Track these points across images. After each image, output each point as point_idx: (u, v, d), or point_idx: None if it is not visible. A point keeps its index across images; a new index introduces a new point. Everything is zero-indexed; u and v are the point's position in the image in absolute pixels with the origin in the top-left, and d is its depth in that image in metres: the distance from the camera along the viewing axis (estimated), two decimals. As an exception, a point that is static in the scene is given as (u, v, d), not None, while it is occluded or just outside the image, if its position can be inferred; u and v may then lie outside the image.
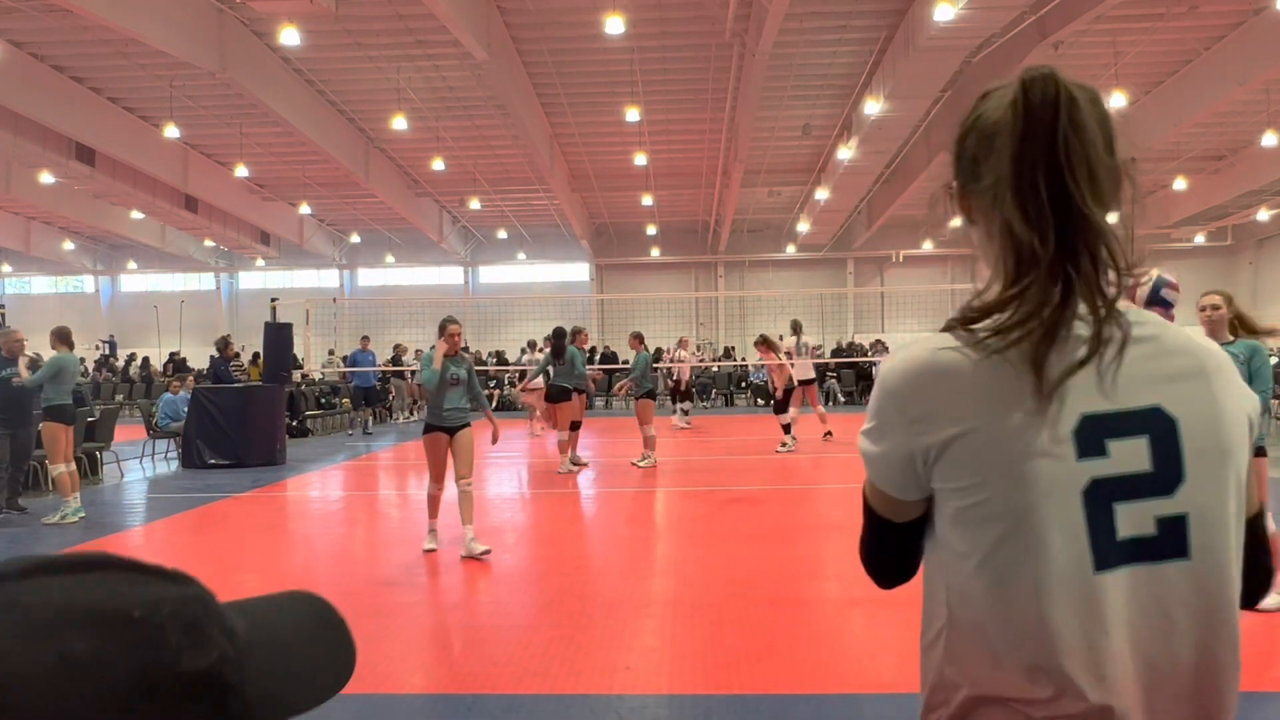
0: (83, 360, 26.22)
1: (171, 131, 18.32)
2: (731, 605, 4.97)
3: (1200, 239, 30.52)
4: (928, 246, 31.77)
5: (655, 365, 12.93)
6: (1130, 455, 0.97)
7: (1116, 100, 16.97)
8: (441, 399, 6.55)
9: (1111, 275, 1.00)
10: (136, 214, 28.12)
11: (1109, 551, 0.96)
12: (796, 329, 13.85)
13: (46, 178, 23.23)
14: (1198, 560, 0.99)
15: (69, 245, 32.21)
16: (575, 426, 11.13)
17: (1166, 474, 0.98)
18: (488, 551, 6.28)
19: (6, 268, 34.70)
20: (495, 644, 4.32)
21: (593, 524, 7.68)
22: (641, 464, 10.98)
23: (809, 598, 5.17)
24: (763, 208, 28.80)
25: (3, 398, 8.27)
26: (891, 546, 1.16)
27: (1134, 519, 0.97)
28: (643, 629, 4.59)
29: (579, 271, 34.37)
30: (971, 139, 1.06)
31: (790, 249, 32.55)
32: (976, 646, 1.02)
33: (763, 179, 24.84)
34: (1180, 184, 24.09)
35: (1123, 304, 1.00)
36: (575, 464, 11.12)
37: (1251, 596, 1.10)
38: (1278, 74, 15.78)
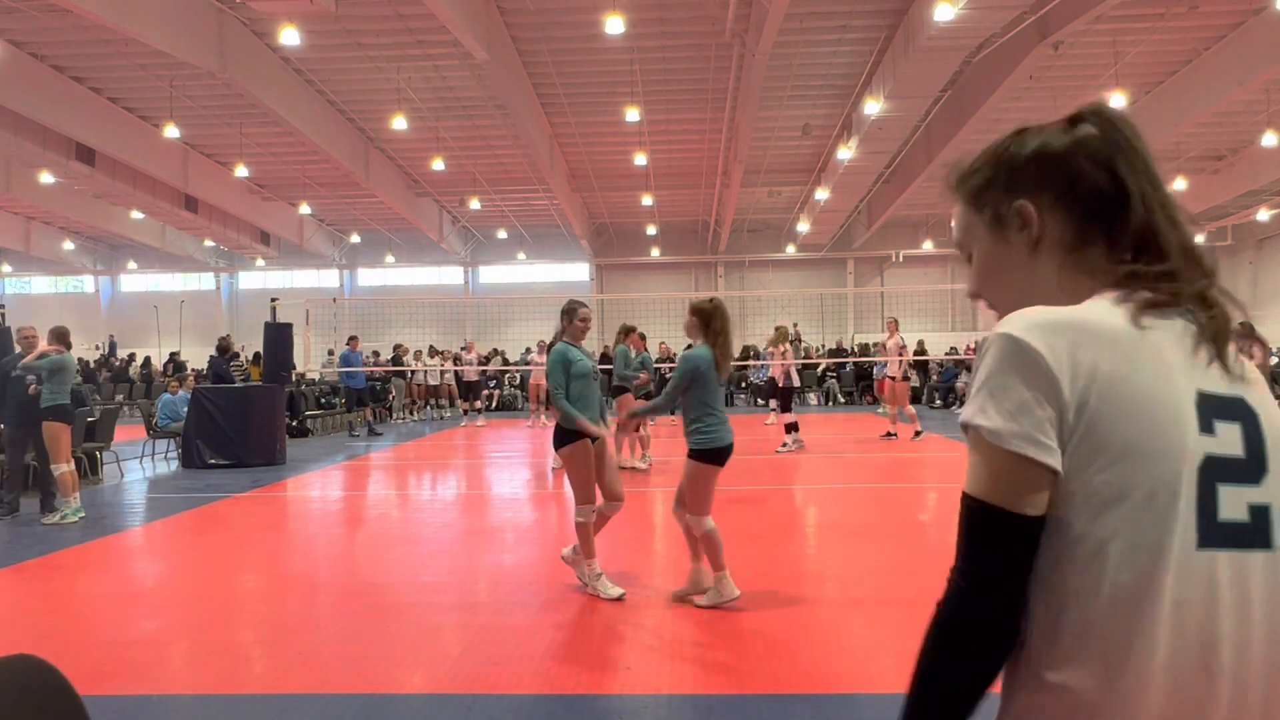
0: (80, 361, 26.24)
1: (171, 131, 18.32)
2: (731, 605, 4.96)
3: (1200, 239, 30.39)
4: (928, 246, 31.77)
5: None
6: (1230, 439, 0.99)
7: (1116, 100, 16.97)
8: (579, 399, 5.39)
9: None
10: (136, 214, 28.12)
11: (1211, 531, 0.97)
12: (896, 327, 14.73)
13: (46, 178, 23.24)
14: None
15: (69, 245, 32.22)
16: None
17: (1255, 462, 1.00)
18: (623, 596, 5.18)
19: (6, 268, 34.71)
20: (495, 644, 4.32)
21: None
22: (641, 463, 11.06)
23: (809, 598, 5.17)
24: (763, 208, 28.80)
25: (23, 398, 8.24)
26: (1016, 565, 0.99)
27: (1232, 503, 0.98)
28: (643, 629, 4.59)
29: (579, 271, 34.38)
30: (1078, 159, 1.12)
31: (790, 249, 32.55)
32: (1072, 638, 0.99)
33: (763, 179, 24.84)
34: (1180, 184, 24.09)
35: None
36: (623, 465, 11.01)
37: None
38: (1278, 74, 15.78)
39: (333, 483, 10.81)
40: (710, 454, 4.94)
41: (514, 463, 12.66)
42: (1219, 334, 1.02)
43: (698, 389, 4.97)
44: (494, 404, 23.92)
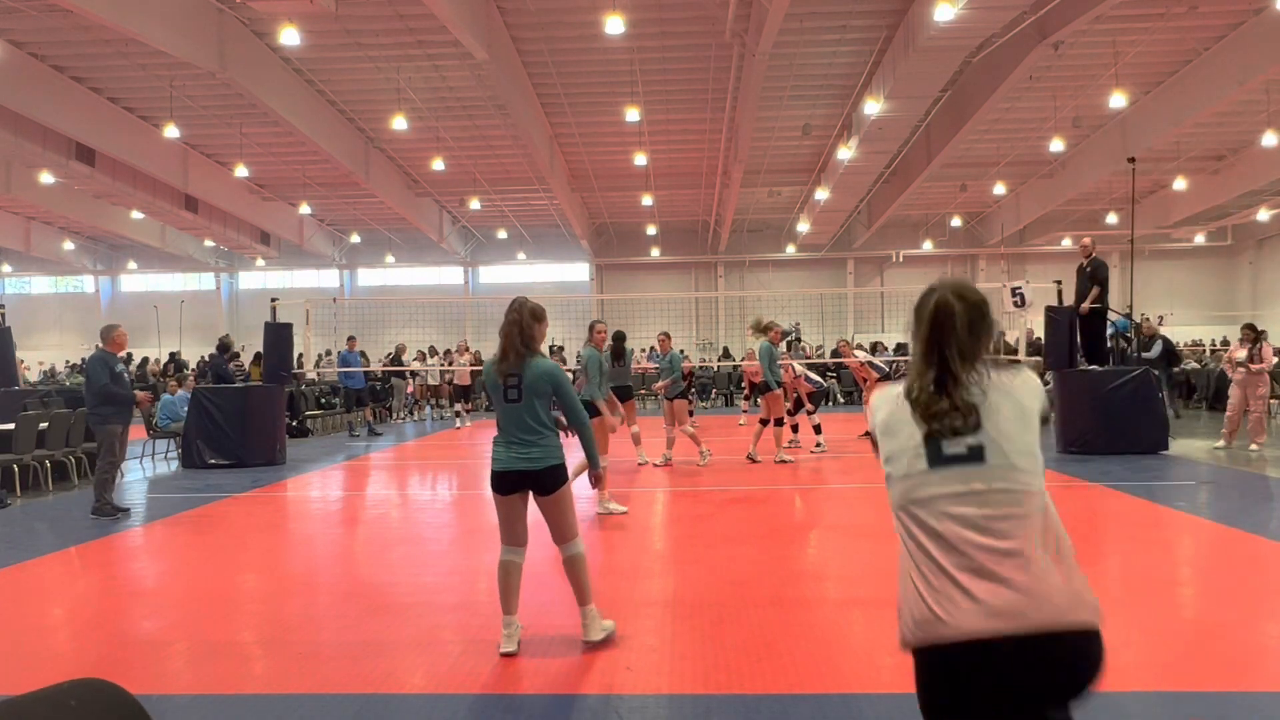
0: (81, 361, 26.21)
1: (171, 131, 18.32)
2: (731, 605, 4.96)
3: (1200, 239, 30.50)
4: (928, 246, 31.77)
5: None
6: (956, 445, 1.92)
7: (1116, 100, 16.98)
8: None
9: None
10: (136, 214, 28.13)
11: (937, 459, 1.90)
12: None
13: (46, 178, 23.24)
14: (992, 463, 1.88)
15: (69, 245, 32.22)
16: (780, 423, 11.16)
17: (976, 454, 1.89)
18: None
19: (6, 268, 34.71)
20: (495, 644, 4.32)
21: (593, 524, 7.67)
22: (703, 462, 10.99)
23: (809, 598, 5.17)
24: (763, 208, 28.80)
25: (114, 394, 8.24)
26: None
27: (953, 446, 1.89)
28: (643, 629, 4.58)
29: (579, 271, 34.38)
30: (918, 315, 2.03)
31: (790, 249, 32.55)
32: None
33: (763, 179, 24.84)
34: (1180, 184, 24.09)
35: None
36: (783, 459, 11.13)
37: None
38: (1278, 74, 15.78)
39: (333, 483, 10.81)
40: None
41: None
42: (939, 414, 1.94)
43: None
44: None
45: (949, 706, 1.82)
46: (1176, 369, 18.85)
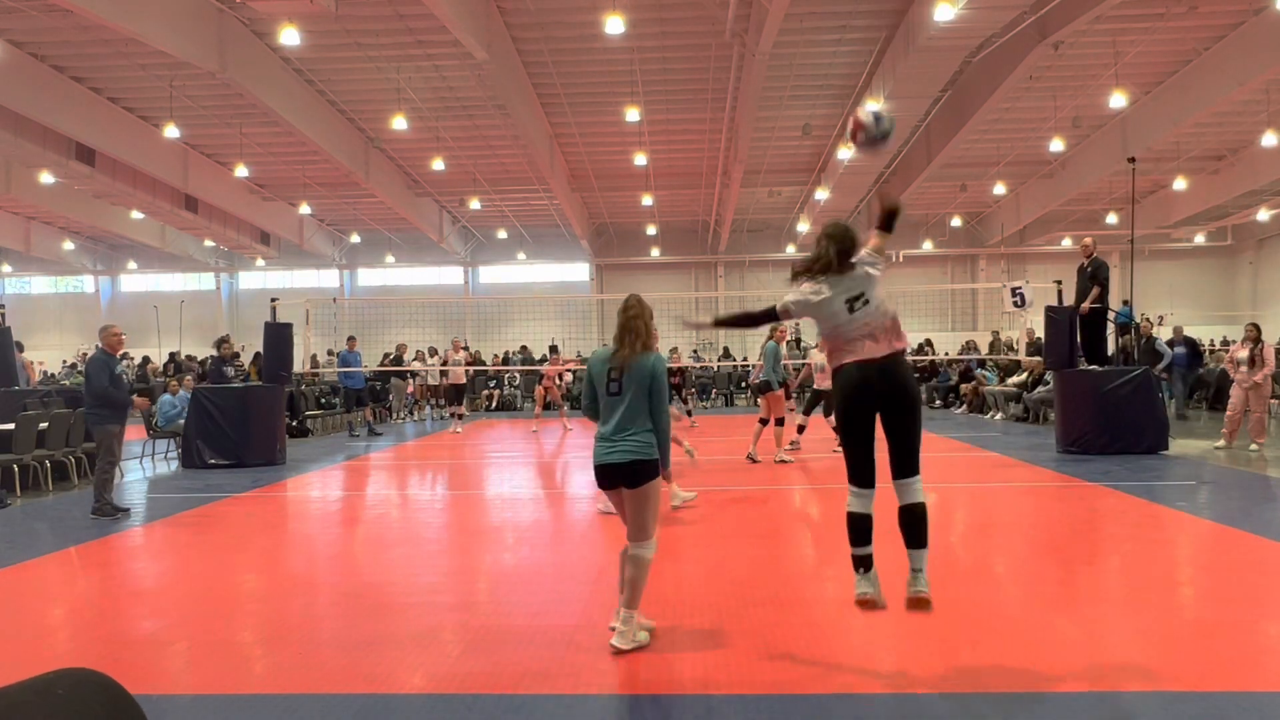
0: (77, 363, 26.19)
1: (171, 131, 18.32)
2: (731, 605, 4.96)
3: (1200, 239, 30.50)
4: (928, 246, 31.76)
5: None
6: None
7: (1116, 100, 16.97)
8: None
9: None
10: (136, 214, 28.12)
11: (851, 310, 4.12)
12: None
13: (46, 178, 23.24)
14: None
15: (69, 245, 32.21)
16: (781, 422, 11.22)
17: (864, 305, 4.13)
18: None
19: (6, 268, 34.70)
20: (495, 644, 4.32)
21: (592, 524, 7.67)
22: (691, 460, 10.95)
23: (809, 597, 5.17)
24: (763, 208, 28.80)
25: (113, 396, 8.24)
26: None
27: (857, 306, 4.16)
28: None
29: (579, 271, 34.38)
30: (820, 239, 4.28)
31: (790, 249, 32.53)
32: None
33: (763, 179, 24.84)
34: (1180, 184, 24.08)
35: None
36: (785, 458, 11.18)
37: None
38: (1278, 74, 15.77)
39: (333, 483, 10.81)
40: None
41: (514, 463, 12.66)
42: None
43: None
44: (494, 404, 23.91)
45: (846, 397, 4.04)
46: (1202, 369, 18.78)
